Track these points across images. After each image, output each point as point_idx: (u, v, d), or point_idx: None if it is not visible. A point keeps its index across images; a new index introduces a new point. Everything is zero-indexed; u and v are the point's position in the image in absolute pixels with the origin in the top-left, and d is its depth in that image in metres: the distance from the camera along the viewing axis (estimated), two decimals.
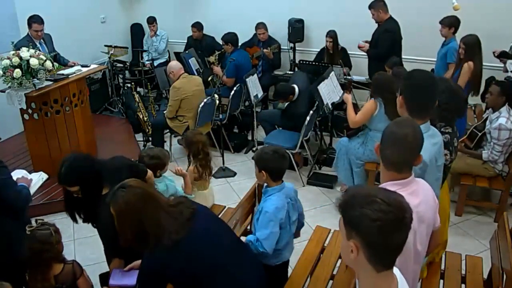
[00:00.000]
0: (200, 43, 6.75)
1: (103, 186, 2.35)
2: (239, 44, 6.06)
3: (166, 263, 1.91)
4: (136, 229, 1.87)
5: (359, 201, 1.21)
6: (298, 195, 2.67)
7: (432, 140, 2.05)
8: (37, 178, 2.87)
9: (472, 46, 4.23)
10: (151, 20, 6.90)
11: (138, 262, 2.29)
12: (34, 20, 4.96)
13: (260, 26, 6.24)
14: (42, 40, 5.14)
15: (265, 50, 6.08)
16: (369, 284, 1.28)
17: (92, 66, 5.09)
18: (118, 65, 6.62)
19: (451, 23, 4.70)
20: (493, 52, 4.72)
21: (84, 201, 2.38)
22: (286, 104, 4.98)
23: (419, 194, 1.72)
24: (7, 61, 3.93)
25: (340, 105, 5.08)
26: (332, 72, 4.86)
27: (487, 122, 3.91)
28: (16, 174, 2.78)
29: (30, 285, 2.30)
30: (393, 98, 3.87)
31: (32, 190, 2.78)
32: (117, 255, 2.41)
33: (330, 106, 4.56)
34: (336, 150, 4.41)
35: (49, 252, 2.25)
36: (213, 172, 4.75)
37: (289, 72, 6.37)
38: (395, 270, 1.33)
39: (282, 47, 6.48)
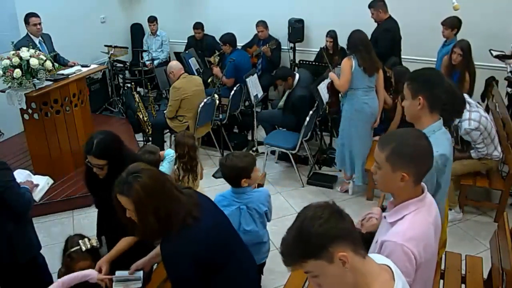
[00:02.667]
0: (200, 43, 6.76)
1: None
2: (241, 45, 6.06)
3: (194, 242, 1.82)
4: (160, 213, 1.77)
5: (307, 228, 1.24)
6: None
7: (446, 136, 2.10)
8: (44, 183, 2.85)
9: (469, 51, 4.24)
10: (152, 19, 6.92)
11: (140, 261, 2.28)
12: (31, 15, 4.99)
13: (260, 24, 6.25)
14: (41, 40, 5.14)
15: (263, 47, 6.08)
16: (366, 272, 1.29)
17: (92, 66, 5.09)
18: (118, 65, 6.62)
19: (453, 24, 4.70)
20: (490, 51, 4.72)
21: (106, 179, 2.32)
22: (286, 96, 4.98)
23: (432, 206, 1.72)
24: (7, 61, 3.93)
25: None
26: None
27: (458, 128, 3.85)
28: (19, 174, 2.76)
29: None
30: (366, 50, 3.96)
31: (39, 195, 2.77)
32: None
33: None
34: (336, 149, 4.43)
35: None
36: (213, 173, 4.79)
37: None
38: (388, 261, 1.38)
39: (282, 47, 6.48)
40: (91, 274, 2.25)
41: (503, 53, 4.71)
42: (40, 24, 5.03)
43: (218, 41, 6.04)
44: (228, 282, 2.01)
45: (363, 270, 1.28)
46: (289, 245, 1.27)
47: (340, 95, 4.28)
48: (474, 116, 3.65)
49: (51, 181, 2.93)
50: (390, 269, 1.35)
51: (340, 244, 1.23)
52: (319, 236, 1.22)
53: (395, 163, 1.59)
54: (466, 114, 3.67)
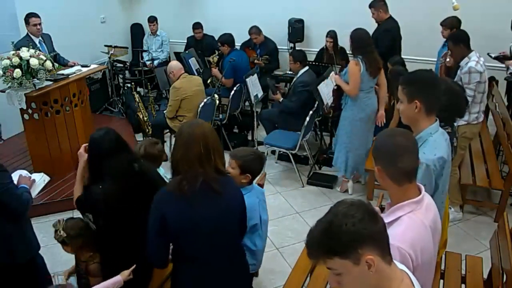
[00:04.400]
0: (200, 43, 6.76)
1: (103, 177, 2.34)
2: (239, 43, 6.05)
3: (168, 197, 1.93)
4: (178, 160, 1.92)
5: (339, 224, 1.20)
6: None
7: (444, 137, 2.09)
8: (39, 180, 2.85)
9: None
10: (152, 19, 6.93)
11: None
12: (31, 15, 4.99)
13: (252, 31, 6.23)
14: (41, 40, 5.14)
15: (256, 61, 6.14)
16: (390, 277, 1.27)
17: (92, 66, 5.09)
18: (118, 65, 6.62)
19: (452, 25, 4.69)
20: (488, 55, 4.71)
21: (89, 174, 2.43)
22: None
23: (431, 207, 1.72)
24: (7, 61, 3.93)
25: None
26: (332, 72, 4.86)
27: (459, 71, 3.85)
28: (17, 175, 2.77)
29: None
30: (372, 50, 3.96)
31: (35, 193, 2.77)
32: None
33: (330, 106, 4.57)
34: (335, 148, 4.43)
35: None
36: None
37: (289, 72, 6.36)
38: (403, 267, 1.36)
39: (282, 47, 6.48)
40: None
41: (502, 55, 4.71)
42: (40, 24, 5.03)
43: (217, 41, 6.04)
44: (191, 280, 2.02)
45: (388, 276, 1.26)
46: (316, 238, 1.23)
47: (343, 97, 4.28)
48: (483, 63, 3.70)
49: (47, 178, 2.93)
50: (408, 274, 1.34)
51: (370, 247, 1.20)
52: (350, 235, 1.19)
53: (373, 156, 1.70)
54: (475, 57, 3.71)
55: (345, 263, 1.21)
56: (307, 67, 4.91)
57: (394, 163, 1.63)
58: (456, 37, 3.86)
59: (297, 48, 5.99)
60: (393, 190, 1.68)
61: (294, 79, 4.95)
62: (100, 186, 2.28)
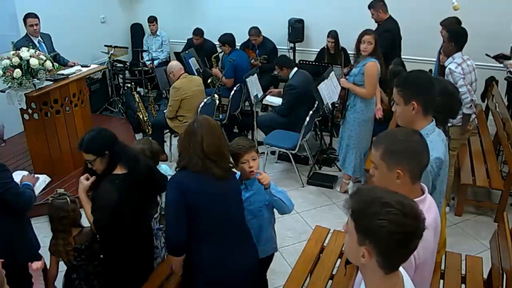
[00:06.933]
0: (201, 48, 6.73)
1: (117, 166, 2.35)
2: (239, 43, 6.04)
3: (186, 178, 2.13)
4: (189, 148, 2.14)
5: (375, 211, 1.19)
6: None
7: (441, 137, 2.08)
8: (41, 181, 2.87)
9: None
10: (152, 19, 6.93)
11: None
12: (28, 15, 4.99)
13: (252, 33, 6.23)
14: (41, 40, 5.14)
15: (252, 60, 6.14)
16: (377, 285, 1.28)
17: (92, 66, 5.10)
18: (118, 65, 6.62)
19: (451, 25, 4.69)
20: (486, 55, 4.71)
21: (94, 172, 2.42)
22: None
23: (432, 207, 1.72)
24: (7, 61, 3.94)
25: None
26: (332, 72, 4.86)
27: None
28: (17, 175, 2.77)
29: (54, 249, 2.53)
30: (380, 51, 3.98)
31: (36, 192, 2.78)
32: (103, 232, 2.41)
33: (330, 106, 4.56)
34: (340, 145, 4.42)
35: (65, 219, 2.47)
36: None
37: None
38: (400, 268, 1.35)
39: (282, 47, 6.48)
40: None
41: (502, 54, 4.70)
42: (37, 25, 5.01)
43: (217, 41, 6.03)
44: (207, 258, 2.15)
45: (376, 280, 1.27)
46: (356, 196, 1.26)
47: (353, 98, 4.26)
48: (465, 66, 3.69)
49: (48, 179, 2.95)
50: (401, 275, 1.34)
51: (376, 249, 1.21)
52: (373, 226, 1.18)
53: (389, 161, 1.63)
54: (458, 59, 3.70)
55: (353, 233, 1.24)
56: (295, 69, 4.95)
57: (420, 161, 1.64)
58: (454, 34, 3.81)
59: (282, 54, 5.93)
60: (402, 190, 1.65)
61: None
62: (113, 180, 2.30)
